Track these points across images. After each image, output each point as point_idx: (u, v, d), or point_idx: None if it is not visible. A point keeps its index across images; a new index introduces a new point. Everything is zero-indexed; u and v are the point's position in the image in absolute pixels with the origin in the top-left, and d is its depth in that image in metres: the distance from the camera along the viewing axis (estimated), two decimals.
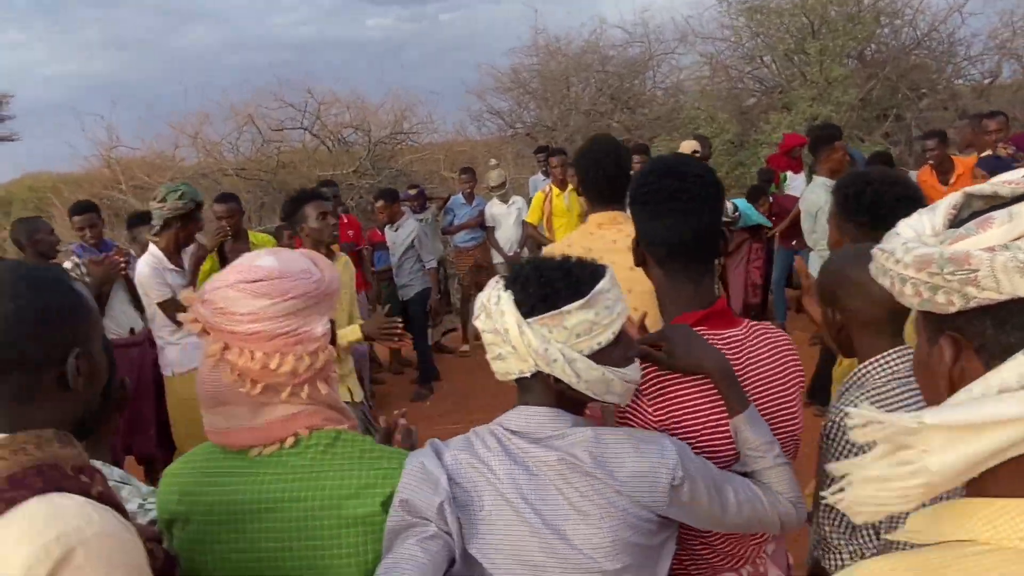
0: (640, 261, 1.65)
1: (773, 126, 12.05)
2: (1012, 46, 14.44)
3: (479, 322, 1.35)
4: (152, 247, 4.48)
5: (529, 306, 1.30)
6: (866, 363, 1.74)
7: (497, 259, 8.51)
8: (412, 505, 1.28)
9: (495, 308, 1.32)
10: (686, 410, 1.50)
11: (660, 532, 1.35)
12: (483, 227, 8.63)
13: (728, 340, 1.54)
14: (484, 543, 1.30)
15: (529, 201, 8.69)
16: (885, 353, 1.71)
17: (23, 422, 1.10)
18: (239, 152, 12.01)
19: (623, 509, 1.29)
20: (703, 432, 1.48)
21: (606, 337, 1.31)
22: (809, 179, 6.39)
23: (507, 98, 19.06)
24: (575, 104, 16.97)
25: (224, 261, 5.69)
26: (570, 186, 7.79)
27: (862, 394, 1.69)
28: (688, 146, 8.57)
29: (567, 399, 1.36)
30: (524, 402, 1.38)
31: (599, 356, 1.31)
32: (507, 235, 8.51)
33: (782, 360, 1.60)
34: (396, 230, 7.60)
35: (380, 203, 7.60)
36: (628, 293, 1.62)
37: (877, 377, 1.69)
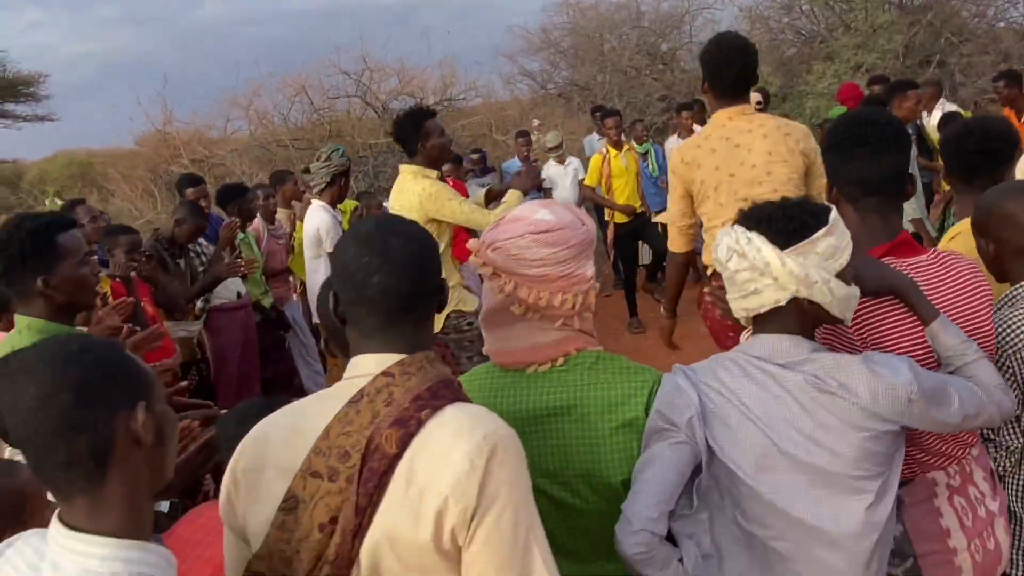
0: (834, 201, 1.89)
1: (817, 76, 12.08)
2: None
3: (732, 263, 1.60)
4: (321, 202, 4.94)
5: (783, 239, 1.55)
6: (1018, 285, 1.99)
7: None
8: (667, 416, 1.55)
9: (749, 247, 1.56)
10: (884, 328, 1.74)
11: (896, 440, 1.59)
12: (540, 189, 8.84)
13: (915, 266, 1.79)
14: (731, 454, 1.56)
15: (584, 162, 8.91)
16: None
17: (418, 342, 1.37)
18: (289, 122, 12.30)
19: (866, 424, 1.53)
20: (901, 345, 1.73)
21: (846, 257, 1.56)
22: None
23: (538, 58, 19.05)
24: (611, 61, 16.96)
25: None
26: (626, 146, 7.99)
27: (1015, 312, 1.95)
28: (752, 98, 8.69)
29: (808, 324, 1.61)
30: (764, 331, 1.63)
31: (840, 276, 1.57)
32: (564, 196, 8.70)
33: (969, 280, 1.81)
34: None
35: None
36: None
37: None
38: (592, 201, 8.13)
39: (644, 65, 17.26)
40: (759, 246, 1.55)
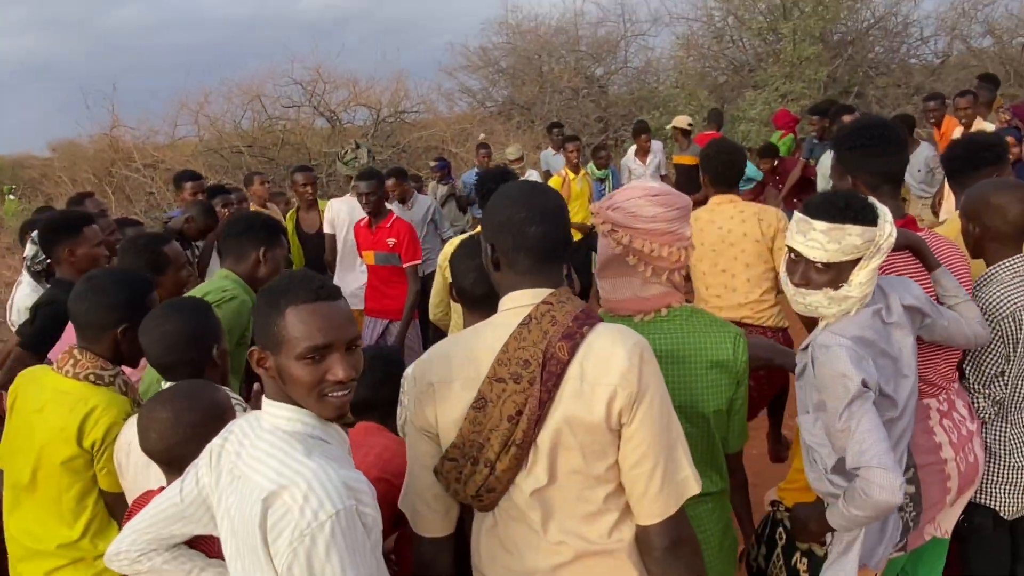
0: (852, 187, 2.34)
1: (749, 103, 12.87)
2: (959, 29, 15.60)
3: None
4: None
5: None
6: (995, 265, 2.46)
7: None
8: (856, 380, 1.93)
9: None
10: (905, 273, 2.26)
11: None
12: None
13: None
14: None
15: (541, 174, 9.37)
16: (1011, 258, 2.44)
17: (560, 280, 1.71)
18: (240, 129, 12.34)
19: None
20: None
21: None
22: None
23: (477, 76, 19.49)
24: (550, 83, 17.53)
25: (299, 225, 6.23)
26: (583, 171, 8.46)
27: (992, 289, 2.43)
28: (682, 120, 9.32)
29: None
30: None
31: None
32: None
33: (951, 255, 2.39)
34: (411, 208, 7.93)
35: (392, 181, 7.94)
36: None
37: (1004, 275, 2.41)
38: None
39: (581, 87, 17.93)
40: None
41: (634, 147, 9.25)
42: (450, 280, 2.17)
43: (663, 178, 9.02)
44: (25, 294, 3.90)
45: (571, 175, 8.26)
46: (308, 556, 1.39)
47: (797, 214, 2.11)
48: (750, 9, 14.54)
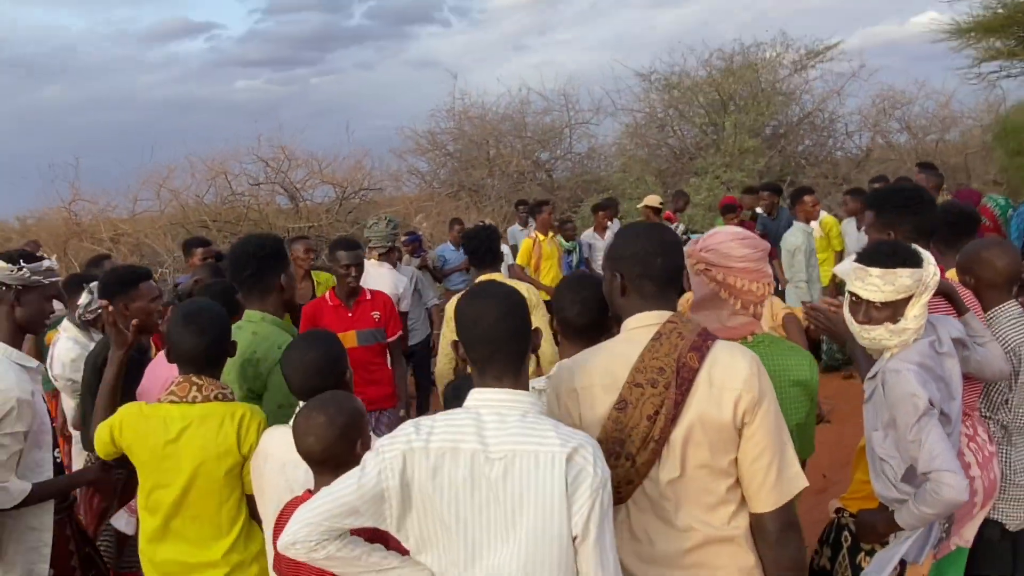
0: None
1: (693, 189, 13.66)
2: (880, 125, 16.99)
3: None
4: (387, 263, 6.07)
5: None
6: (992, 310, 2.89)
7: None
8: (924, 399, 2.30)
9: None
10: (939, 312, 2.64)
11: None
12: (467, 270, 9.54)
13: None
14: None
15: (512, 248, 9.80)
16: (1004, 304, 2.87)
17: (675, 304, 2.03)
18: (203, 204, 12.45)
19: None
20: None
21: None
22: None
23: (426, 159, 20.04)
24: (498, 167, 18.19)
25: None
26: (551, 233, 8.93)
27: (995, 329, 2.85)
28: (653, 199, 9.93)
29: None
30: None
31: None
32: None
33: (966, 296, 2.84)
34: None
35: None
36: None
37: (1001, 318, 2.84)
38: (519, 279, 8.94)
39: (528, 171, 18.66)
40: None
41: (593, 223, 9.84)
42: (453, 336, 2.47)
43: None
44: (68, 347, 3.99)
45: (541, 237, 8.69)
46: (603, 504, 1.69)
47: (854, 264, 2.51)
48: (690, 103, 15.59)
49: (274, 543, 2.19)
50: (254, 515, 2.56)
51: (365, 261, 5.94)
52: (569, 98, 18.20)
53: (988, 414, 2.86)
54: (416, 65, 43.25)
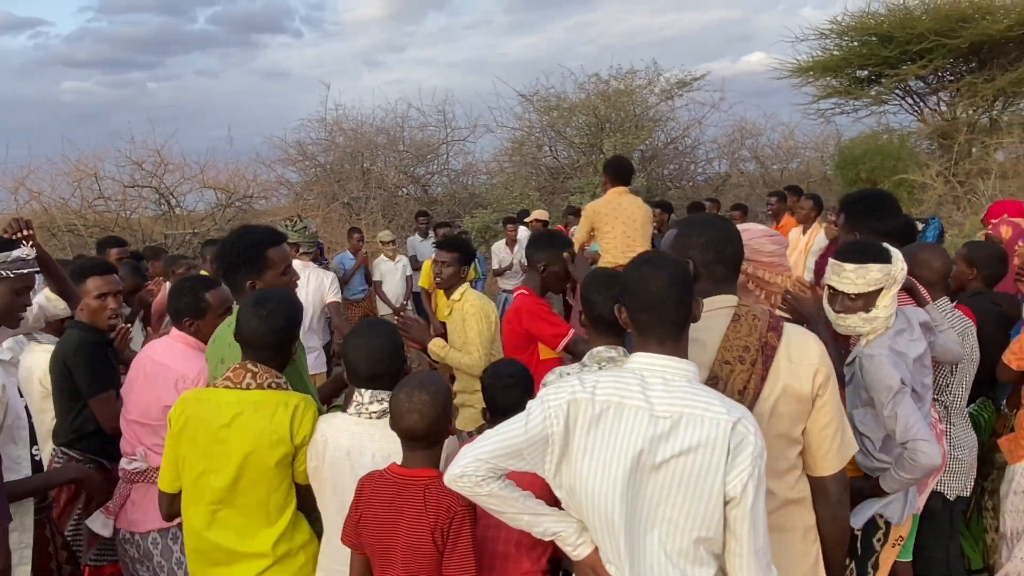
0: None
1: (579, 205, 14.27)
2: (735, 154, 18.35)
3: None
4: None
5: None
6: (928, 305, 3.36)
7: (384, 310, 9.45)
8: (896, 378, 2.63)
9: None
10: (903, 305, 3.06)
11: None
12: (369, 283, 9.55)
13: None
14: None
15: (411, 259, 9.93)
16: (939, 300, 3.35)
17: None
18: (68, 208, 11.66)
19: None
20: None
21: None
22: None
23: (296, 170, 19.58)
24: (374, 180, 18.10)
25: None
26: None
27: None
28: (541, 214, 10.32)
29: None
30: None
31: None
32: (394, 290, 9.52)
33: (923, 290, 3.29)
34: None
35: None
36: None
37: (936, 313, 3.28)
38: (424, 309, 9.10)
39: (405, 184, 18.71)
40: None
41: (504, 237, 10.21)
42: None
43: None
44: (40, 360, 3.75)
45: None
46: (760, 472, 1.84)
47: (831, 260, 2.87)
48: (567, 123, 16.26)
49: (344, 531, 2.28)
50: (303, 506, 2.58)
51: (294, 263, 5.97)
52: (446, 114, 18.45)
53: (935, 396, 3.32)
54: (264, 75, 42.20)
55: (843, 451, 2.22)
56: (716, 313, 2.21)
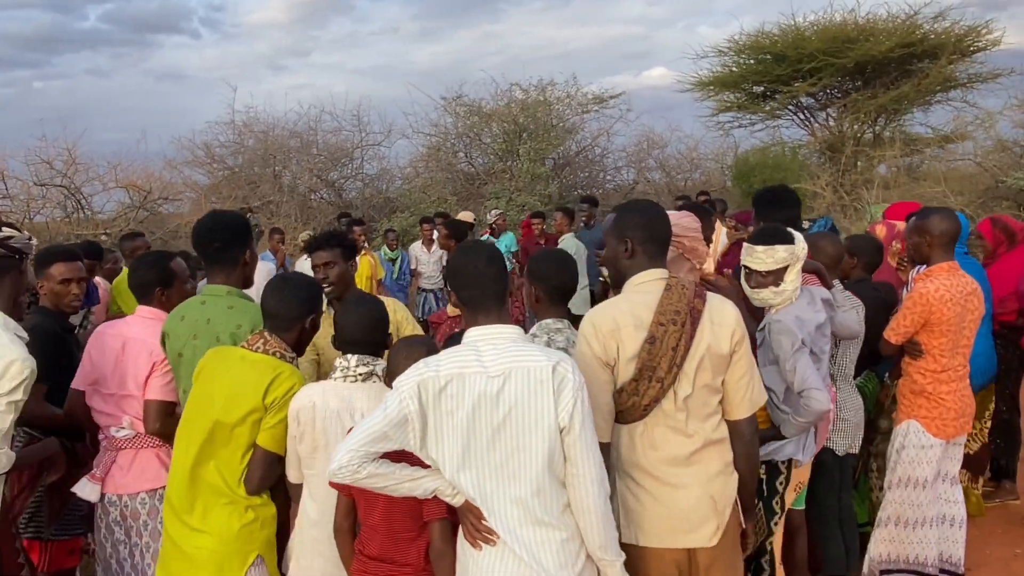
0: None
1: (489, 210, 14.66)
2: (641, 163, 19.17)
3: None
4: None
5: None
6: (834, 288, 3.87)
7: None
8: (798, 338, 3.11)
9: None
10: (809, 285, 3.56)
11: None
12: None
13: None
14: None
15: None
16: (835, 281, 3.87)
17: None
18: None
19: None
20: None
21: None
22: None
23: (204, 172, 19.21)
24: (287, 184, 18.01)
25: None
26: (364, 253, 9.37)
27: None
28: (467, 215, 10.68)
29: None
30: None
31: None
32: None
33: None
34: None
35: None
36: None
37: (839, 294, 3.80)
38: None
39: (319, 189, 18.70)
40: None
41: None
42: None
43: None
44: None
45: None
46: (583, 402, 2.23)
47: (746, 244, 3.33)
48: (484, 130, 16.72)
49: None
50: (278, 477, 2.83)
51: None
52: (361, 119, 18.56)
53: None
54: (159, 76, 41.04)
55: (754, 399, 2.64)
56: (651, 284, 2.60)
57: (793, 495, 3.51)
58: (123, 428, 3.29)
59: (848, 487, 4.05)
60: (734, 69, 19.40)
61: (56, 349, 3.71)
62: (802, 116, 19.71)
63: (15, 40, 45.77)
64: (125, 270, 6.05)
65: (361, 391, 2.69)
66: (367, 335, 2.75)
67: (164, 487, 3.10)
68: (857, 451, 4.00)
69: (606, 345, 2.51)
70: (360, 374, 2.71)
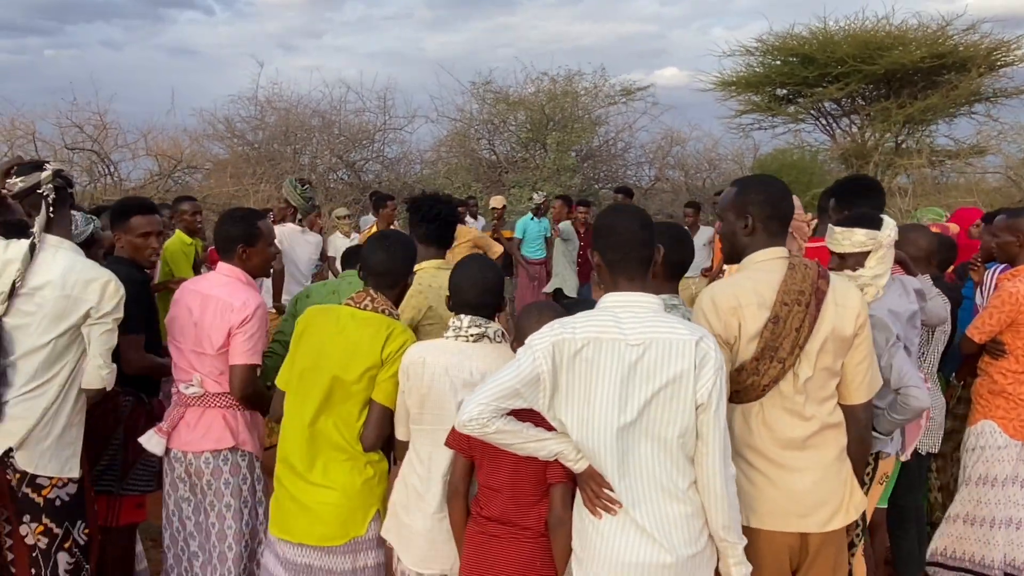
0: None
1: (523, 198, 14.61)
2: (661, 160, 19.09)
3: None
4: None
5: None
6: (920, 276, 3.84)
7: None
8: (892, 331, 3.05)
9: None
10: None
11: None
12: (324, 259, 9.63)
13: None
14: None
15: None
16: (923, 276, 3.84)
17: None
18: None
19: None
20: None
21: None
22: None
23: (223, 146, 19.10)
24: (309, 162, 17.90)
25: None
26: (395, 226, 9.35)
27: None
28: (498, 200, 10.64)
29: None
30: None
31: None
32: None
33: None
34: None
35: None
36: None
37: (926, 282, 3.78)
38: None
39: (337, 168, 18.59)
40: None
41: None
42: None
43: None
44: None
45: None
46: (722, 381, 2.19)
47: (830, 226, 3.27)
48: (509, 118, 16.66)
49: (452, 436, 2.53)
50: (388, 429, 2.83)
51: (291, 227, 6.18)
52: (386, 101, 18.43)
53: None
54: (171, 51, 40.76)
55: (872, 384, 2.61)
56: (773, 263, 2.54)
57: (879, 488, 3.48)
58: (192, 385, 3.27)
59: (923, 487, 4.03)
60: (758, 69, 19.30)
61: (148, 299, 3.71)
62: (824, 122, 19.65)
63: (26, 6, 45.41)
64: (176, 233, 6.01)
65: (472, 350, 2.69)
66: (481, 297, 2.74)
67: (228, 448, 3.22)
68: (937, 451, 3.98)
69: (727, 323, 2.47)
70: (472, 335, 2.70)
